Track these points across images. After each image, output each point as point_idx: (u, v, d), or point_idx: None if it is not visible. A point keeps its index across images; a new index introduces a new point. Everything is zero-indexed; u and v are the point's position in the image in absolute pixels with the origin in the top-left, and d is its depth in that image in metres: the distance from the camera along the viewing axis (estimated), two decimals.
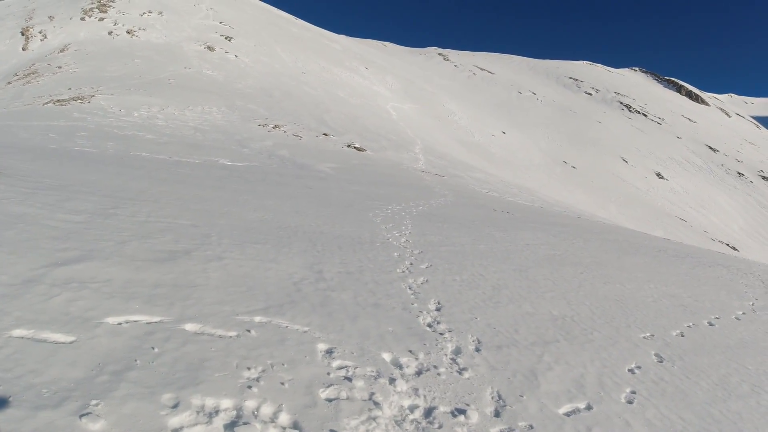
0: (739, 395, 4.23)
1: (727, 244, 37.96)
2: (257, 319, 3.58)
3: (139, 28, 39.52)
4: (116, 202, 5.93)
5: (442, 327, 4.24)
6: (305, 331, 3.56)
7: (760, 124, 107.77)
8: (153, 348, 2.89)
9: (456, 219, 10.51)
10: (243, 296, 3.92)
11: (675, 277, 8.67)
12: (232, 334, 3.28)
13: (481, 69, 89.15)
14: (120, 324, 3.08)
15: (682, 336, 5.41)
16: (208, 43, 39.32)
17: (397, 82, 55.49)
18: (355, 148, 22.53)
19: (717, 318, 6.41)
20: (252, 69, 36.43)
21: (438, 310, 4.63)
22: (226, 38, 42.04)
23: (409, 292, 4.96)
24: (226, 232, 5.59)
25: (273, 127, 22.42)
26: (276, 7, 69.98)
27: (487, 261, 6.90)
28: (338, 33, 79.17)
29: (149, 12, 43.38)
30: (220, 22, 46.01)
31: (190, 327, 3.24)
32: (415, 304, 4.64)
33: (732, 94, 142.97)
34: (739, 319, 6.59)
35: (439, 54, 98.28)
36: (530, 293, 5.78)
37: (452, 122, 48.26)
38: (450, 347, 3.88)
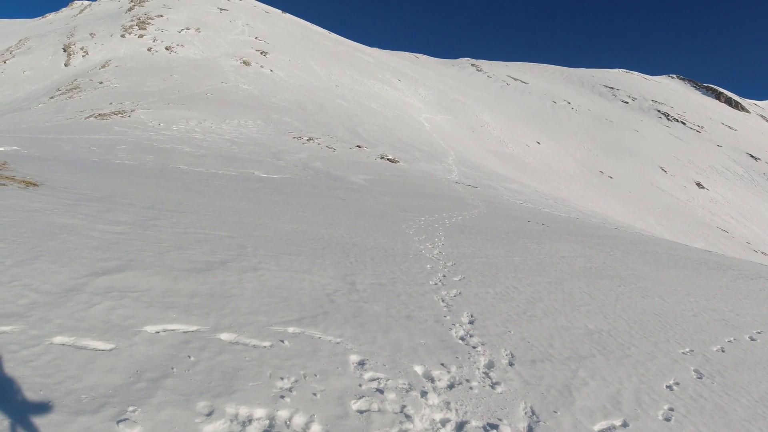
0: None
1: None
2: (291, 329, 3.63)
3: (178, 45, 40.67)
4: (156, 213, 6.09)
5: (474, 340, 4.20)
6: (338, 342, 3.59)
7: None
8: (189, 356, 2.96)
9: (489, 230, 10.42)
10: (277, 307, 3.97)
11: (716, 290, 8.44)
12: (266, 344, 3.33)
13: (515, 79, 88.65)
14: (158, 332, 3.16)
15: (723, 351, 5.26)
16: (243, 58, 40.17)
17: (429, 93, 55.61)
18: (388, 159, 22.61)
19: (759, 333, 6.22)
20: (286, 83, 37.05)
21: (471, 323, 4.59)
22: (261, 53, 42.89)
23: (442, 304, 4.93)
24: (261, 244, 5.67)
25: (307, 140, 22.72)
26: (310, 22, 71.23)
27: (522, 273, 6.82)
28: (371, 46, 80.00)
29: (187, 29, 44.65)
30: (256, 38, 47.02)
31: (225, 336, 3.31)
32: (448, 317, 4.61)
33: None
34: None
35: (471, 65, 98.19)
36: (565, 306, 5.68)
37: (486, 133, 48.02)
38: (483, 361, 3.84)
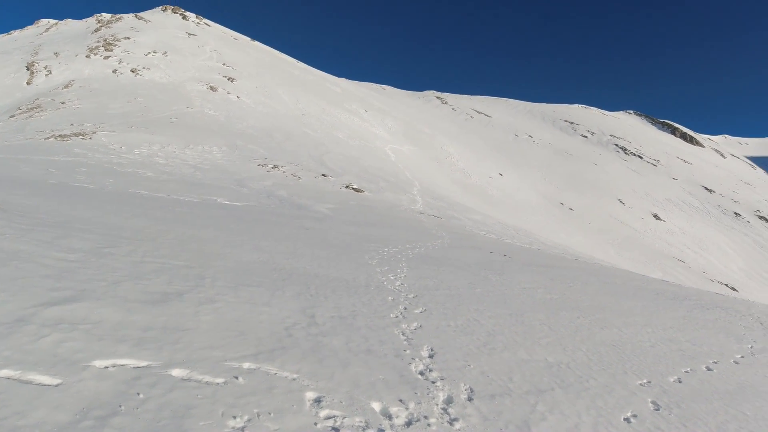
0: None
1: (726, 285, 37.85)
2: (246, 365, 3.53)
3: (144, 68, 40.29)
4: (112, 240, 5.94)
5: (434, 375, 4.16)
6: (294, 379, 3.50)
7: (755, 165, 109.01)
8: (138, 394, 2.85)
9: (452, 262, 10.48)
10: (233, 341, 3.87)
11: (673, 320, 8.59)
12: (220, 380, 3.23)
13: (479, 112, 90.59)
14: (107, 368, 3.05)
15: (680, 382, 5.32)
16: (210, 84, 40.02)
17: (395, 124, 56.26)
18: (353, 189, 22.66)
19: (715, 362, 6.32)
20: (253, 110, 37.00)
21: (431, 357, 4.54)
22: (228, 79, 42.81)
23: (402, 338, 4.88)
24: (220, 274, 5.57)
25: (272, 168, 22.62)
26: (279, 50, 71.66)
27: (483, 305, 6.84)
28: (339, 76, 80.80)
29: (154, 52, 44.34)
30: (224, 64, 46.96)
31: (177, 372, 3.20)
32: (408, 351, 4.56)
33: (726, 135, 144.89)
34: (737, 363, 6.51)
35: (437, 97, 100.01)
36: (526, 339, 5.69)
37: (450, 164, 48.68)
38: (442, 396, 3.79)
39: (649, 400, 4.65)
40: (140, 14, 58.00)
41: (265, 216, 12.49)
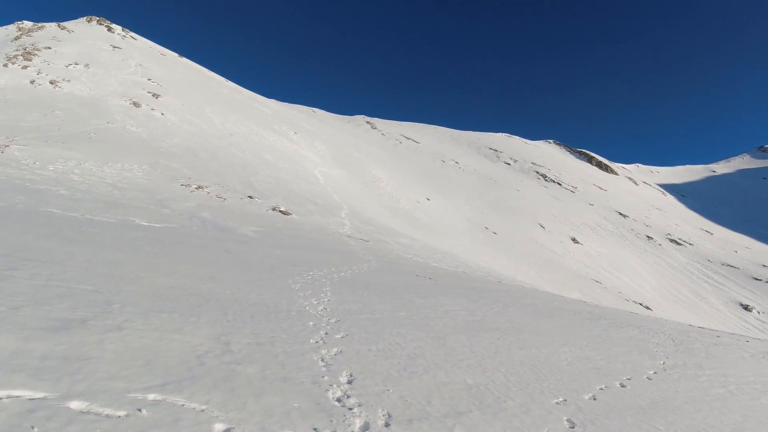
0: None
1: (641, 304, 39.79)
2: (151, 396, 3.34)
3: (64, 79, 38.30)
4: (15, 262, 5.57)
5: (352, 401, 4.08)
6: (203, 410, 3.33)
7: (665, 191, 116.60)
8: (33, 427, 2.64)
9: (378, 285, 10.47)
10: (139, 371, 3.67)
11: (589, 339, 8.87)
12: (122, 413, 3.04)
13: (407, 138, 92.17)
14: (0, 399, 2.83)
15: (595, 399, 5.44)
16: (134, 99, 38.53)
17: (325, 147, 56.22)
18: (280, 211, 22.34)
19: (629, 379, 6.52)
20: (178, 128, 35.88)
21: (350, 382, 4.47)
22: (153, 95, 41.42)
23: (321, 364, 4.78)
24: (131, 300, 5.30)
25: (196, 188, 21.96)
26: (208, 68, 70.30)
27: (406, 329, 6.83)
28: (269, 97, 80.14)
29: (76, 63, 42.33)
30: (149, 79, 45.45)
31: (76, 405, 2.99)
32: (326, 377, 4.46)
33: (638, 164, 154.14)
34: (650, 379, 6.72)
35: (367, 122, 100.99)
36: (446, 362, 5.71)
37: (379, 188, 49.04)
38: (358, 423, 3.72)
39: (565, 418, 4.72)
40: (64, 24, 55.24)
41: (186, 238, 12.06)
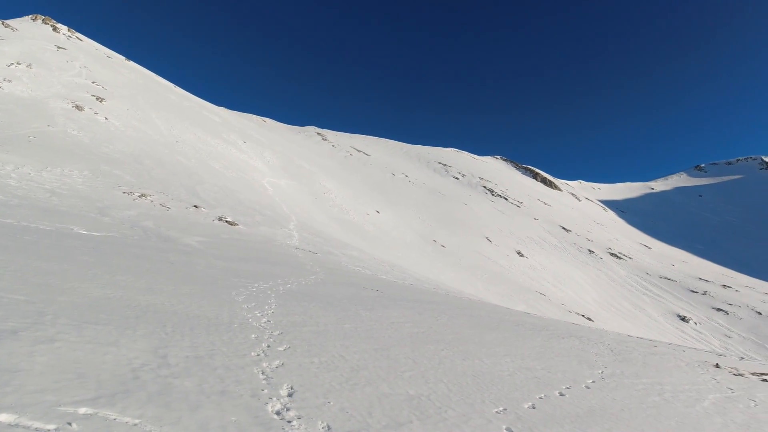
0: None
1: (583, 315, 40.88)
2: (82, 410, 3.23)
3: (4, 79, 36.53)
4: None
5: (291, 414, 4.03)
6: (135, 424, 3.24)
7: (606, 207, 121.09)
8: None
9: (324, 297, 10.40)
10: (71, 384, 3.54)
11: (531, 349, 9.00)
12: (51, 427, 2.94)
13: (358, 150, 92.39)
14: None
15: (534, 408, 5.51)
16: (77, 102, 37.11)
17: (275, 157, 55.67)
18: (226, 222, 21.96)
19: (568, 388, 6.62)
20: (122, 133, 34.77)
21: (290, 395, 4.41)
22: (97, 99, 40.01)
23: (262, 377, 4.71)
24: (64, 311, 5.10)
25: (139, 196, 21.33)
26: (156, 73, 68.58)
27: (350, 341, 6.81)
28: (219, 105, 78.83)
29: (17, 63, 40.48)
30: (93, 82, 43.93)
31: (4, 418, 2.89)
32: (266, 390, 4.39)
33: (581, 181, 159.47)
34: (588, 388, 6.84)
35: (318, 133, 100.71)
36: (389, 373, 5.70)
37: (328, 200, 48.87)
38: None
39: (504, 427, 4.76)
40: (7, 21, 52.75)
41: (126, 248, 11.68)
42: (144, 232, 15.34)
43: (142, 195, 21.63)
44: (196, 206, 23.09)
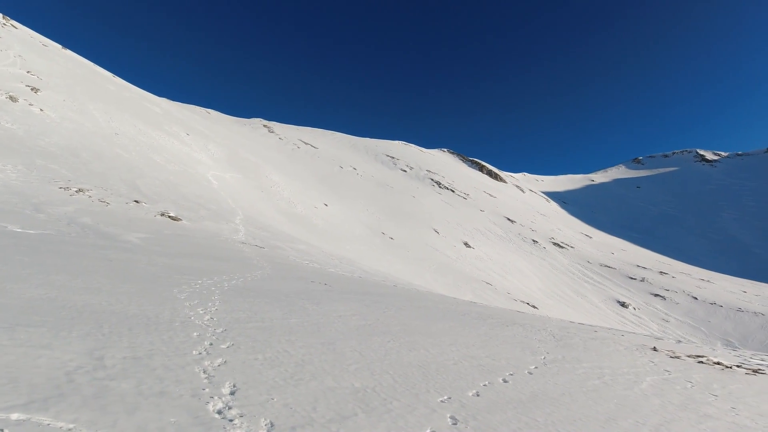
0: None
1: (528, 303, 41.96)
2: (14, 416, 3.12)
3: None
4: None
5: (233, 412, 3.97)
6: (69, 429, 3.15)
7: (549, 198, 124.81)
8: None
9: (270, 293, 10.31)
10: (2, 389, 3.42)
11: (476, 338, 9.11)
12: None
13: (305, 143, 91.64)
14: None
15: (478, 396, 5.57)
16: (10, 93, 35.21)
17: (219, 150, 54.55)
18: (169, 217, 21.40)
19: (511, 374, 6.72)
20: (59, 125, 33.25)
21: (232, 393, 4.35)
22: (32, 89, 38.07)
23: (203, 375, 4.62)
24: None
25: (77, 191, 20.51)
26: (95, 62, 65.83)
27: (296, 336, 6.76)
28: (160, 96, 76.49)
29: None
30: (28, 72, 41.76)
31: None
32: (207, 389, 4.32)
33: (525, 173, 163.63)
34: (531, 374, 6.96)
35: (264, 125, 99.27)
36: (335, 367, 5.70)
37: (275, 193, 48.31)
38: None
39: (448, 415, 4.80)
40: None
41: (63, 246, 11.24)
42: (82, 229, 14.79)
43: (80, 190, 20.81)
44: (136, 201, 22.40)
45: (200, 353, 5.26)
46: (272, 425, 3.92)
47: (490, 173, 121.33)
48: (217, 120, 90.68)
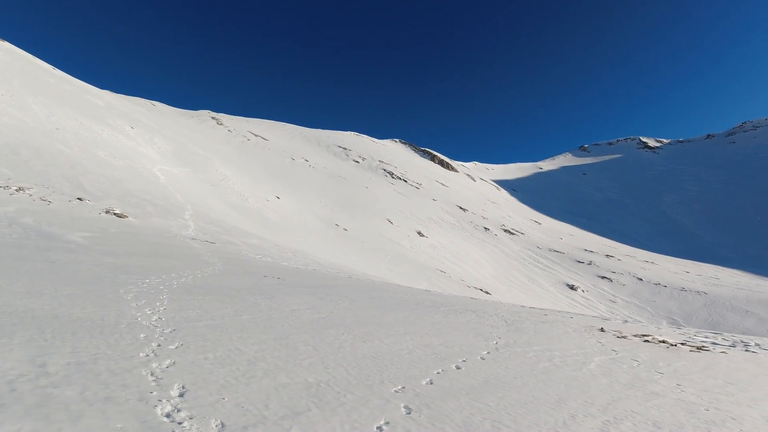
0: None
1: (481, 290, 42.65)
2: None
3: None
4: None
5: (182, 415, 3.90)
6: None
7: (499, 186, 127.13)
8: None
9: (221, 289, 10.16)
10: None
11: (430, 326, 9.17)
12: None
13: (255, 135, 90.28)
14: None
15: (431, 384, 5.60)
16: None
17: (166, 144, 53.15)
18: (115, 214, 20.78)
19: (464, 361, 6.76)
20: None
21: (181, 395, 4.27)
22: None
23: (151, 378, 4.53)
24: None
25: (16, 190, 19.68)
26: (34, 54, 62.85)
27: (248, 333, 6.69)
28: (102, 88, 73.84)
29: None
30: None
31: None
32: (155, 392, 4.23)
33: (476, 162, 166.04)
34: (483, 359, 7.00)
35: (212, 118, 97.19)
36: (288, 363, 5.66)
37: (226, 187, 47.47)
38: None
39: (402, 405, 4.82)
40: None
41: (4, 248, 10.80)
42: (23, 230, 14.23)
43: (20, 189, 19.97)
44: (80, 199, 21.65)
45: (147, 355, 5.15)
46: (223, 426, 3.87)
47: (441, 163, 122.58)
48: (163, 112, 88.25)
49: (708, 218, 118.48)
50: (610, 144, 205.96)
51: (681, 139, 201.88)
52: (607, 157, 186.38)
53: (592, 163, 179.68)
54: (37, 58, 61.66)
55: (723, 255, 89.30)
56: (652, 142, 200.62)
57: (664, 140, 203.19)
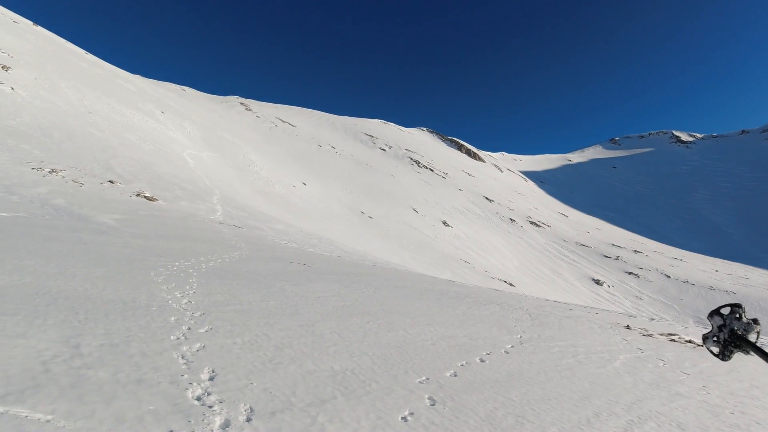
0: (504, 428, 4.38)
1: (505, 281, 42.49)
2: None
3: None
4: None
5: (212, 399, 3.95)
6: (48, 421, 3.11)
7: (526, 178, 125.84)
8: None
9: (248, 274, 10.27)
10: None
11: (453, 318, 9.16)
12: None
13: (283, 121, 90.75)
14: None
15: (455, 376, 5.59)
16: None
17: (195, 128, 53.76)
18: (145, 197, 21.12)
19: (488, 354, 6.75)
20: (30, 105, 32.40)
21: (211, 379, 4.32)
22: (2, 67, 36.96)
23: (182, 361, 4.58)
24: None
25: (49, 172, 20.11)
26: (67, 39, 64.01)
27: (274, 319, 6.76)
28: (134, 73, 74.88)
29: None
30: None
31: None
32: (186, 375, 4.28)
33: (504, 153, 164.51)
34: (507, 353, 6.99)
35: (241, 103, 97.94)
36: (314, 350, 5.68)
37: (253, 172, 47.88)
38: (218, 421, 3.62)
39: (426, 396, 4.82)
40: None
41: (36, 229, 11.04)
42: (55, 211, 14.54)
43: (53, 171, 20.40)
44: (111, 181, 22.04)
45: (178, 338, 5.22)
46: (252, 410, 3.90)
47: (468, 152, 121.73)
48: (193, 98, 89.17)
49: (739, 216, 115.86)
50: (642, 137, 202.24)
51: (715, 134, 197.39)
52: (638, 151, 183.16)
53: (622, 156, 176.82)
54: (69, 43, 62.73)
55: (753, 254, 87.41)
56: (684, 137, 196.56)
57: (698, 135, 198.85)
